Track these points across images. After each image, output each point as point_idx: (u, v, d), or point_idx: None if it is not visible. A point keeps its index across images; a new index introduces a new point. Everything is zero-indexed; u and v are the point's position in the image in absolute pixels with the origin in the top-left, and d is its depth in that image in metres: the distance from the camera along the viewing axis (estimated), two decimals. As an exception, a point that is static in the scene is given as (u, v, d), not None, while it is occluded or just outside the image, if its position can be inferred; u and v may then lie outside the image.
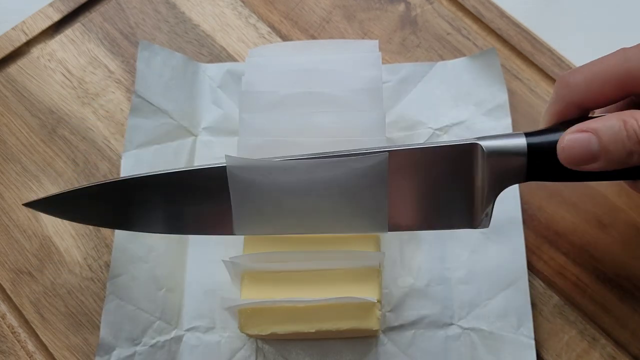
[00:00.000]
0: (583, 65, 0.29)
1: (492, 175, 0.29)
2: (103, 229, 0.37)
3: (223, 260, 0.31)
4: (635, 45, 0.28)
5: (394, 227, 0.31)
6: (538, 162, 0.29)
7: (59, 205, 0.32)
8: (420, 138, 0.39)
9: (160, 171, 0.30)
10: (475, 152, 0.29)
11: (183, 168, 0.31)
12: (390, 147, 0.30)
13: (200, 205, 0.31)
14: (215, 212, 0.31)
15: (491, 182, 0.29)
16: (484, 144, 0.29)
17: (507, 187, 0.30)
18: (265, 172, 0.30)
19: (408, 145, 0.29)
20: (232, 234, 0.32)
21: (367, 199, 0.31)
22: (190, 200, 0.31)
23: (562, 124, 0.29)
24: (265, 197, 0.31)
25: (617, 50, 0.29)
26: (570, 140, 0.27)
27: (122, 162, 0.38)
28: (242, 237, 0.33)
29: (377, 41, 0.38)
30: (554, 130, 0.29)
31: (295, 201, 0.31)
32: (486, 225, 0.31)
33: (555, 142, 0.28)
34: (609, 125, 0.27)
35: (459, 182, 0.30)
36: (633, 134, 0.26)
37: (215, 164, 0.30)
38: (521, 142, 0.28)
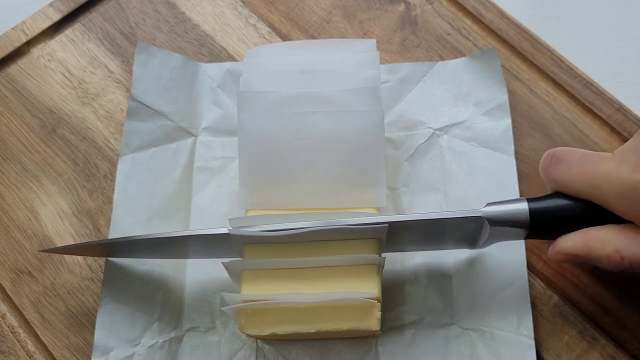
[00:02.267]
0: (562, 161, 0.31)
1: (494, 237, 0.32)
2: (103, 229, 0.38)
3: (223, 262, 0.31)
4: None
5: (394, 250, 0.34)
6: (539, 230, 0.31)
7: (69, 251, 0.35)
8: (419, 138, 0.39)
9: (157, 235, 0.32)
10: (479, 221, 0.31)
11: (181, 233, 0.32)
12: (389, 217, 0.31)
13: (197, 255, 0.35)
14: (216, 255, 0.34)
15: (492, 240, 0.32)
16: (488, 215, 0.31)
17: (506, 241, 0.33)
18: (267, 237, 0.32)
19: (413, 215, 0.31)
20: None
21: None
22: (189, 252, 0.35)
23: (566, 195, 0.31)
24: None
25: (592, 160, 0.30)
26: (559, 259, 0.31)
27: (119, 166, 0.38)
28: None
29: (374, 40, 0.38)
30: (556, 198, 0.31)
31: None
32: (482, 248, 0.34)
33: (556, 213, 0.30)
34: (595, 257, 0.29)
35: (461, 237, 0.33)
36: (618, 269, 0.29)
37: (209, 230, 0.32)
38: (524, 211, 0.31)
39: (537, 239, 0.32)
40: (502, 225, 0.31)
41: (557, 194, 0.31)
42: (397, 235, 0.32)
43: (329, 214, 0.32)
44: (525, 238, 0.32)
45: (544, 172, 0.32)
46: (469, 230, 0.32)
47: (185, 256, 0.36)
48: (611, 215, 0.29)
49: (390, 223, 0.31)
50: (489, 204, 0.31)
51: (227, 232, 0.31)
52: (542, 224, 0.31)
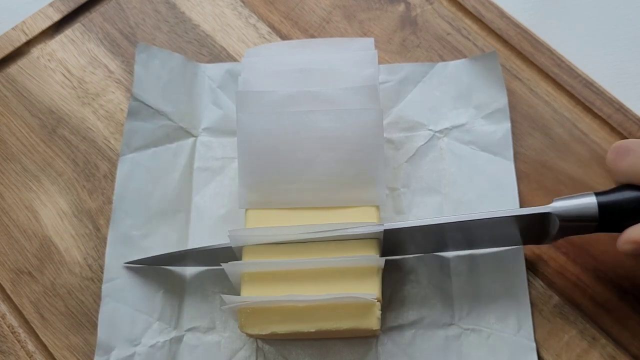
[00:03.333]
0: (631, 153, 0.31)
1: (562, 232, 0.32)
2: (103, 229, 0.37)
3: (222, 265, 0.31)
4: None
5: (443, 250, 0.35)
6: (608, 223, 0.31)
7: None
8: (419, 140, 0.39)
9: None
10: (548, 218, 0.31)
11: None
12: (449, 218, 0.32)
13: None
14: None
15: (560, 234, 0.32)
16: (558, 212, 0.31)
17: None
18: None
19: (487, 213, 0.32)
20: None
21: None
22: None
23: (633, 186, 0.31)
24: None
25: None
26: (628, 250, 0.30)
27: (119, 166, 0.38)
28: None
29: (372, 39, 0.38)
30: (624, 190, 0.31)
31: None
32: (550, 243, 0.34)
33: (623, 203, 0.30)
34: None
35: (529, 235, 0.33)
36: None
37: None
38: (593, 206, 0.31)
39: (606, 231, 0.32)
40: (571, 221, 0.31)
41: (625, 187, 0.31)
42: (458, 234, 0.33)
43: (329, 224, 0.32)
44: (595, 232, 0.32)
45: (612, 164, 0.31)
46: (537, 229, 0.32)
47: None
48: None
49: (456, 223, 0.32)
50: (557, 200, 0.31)
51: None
52: (612, 217, 0.30)
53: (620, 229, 0.31)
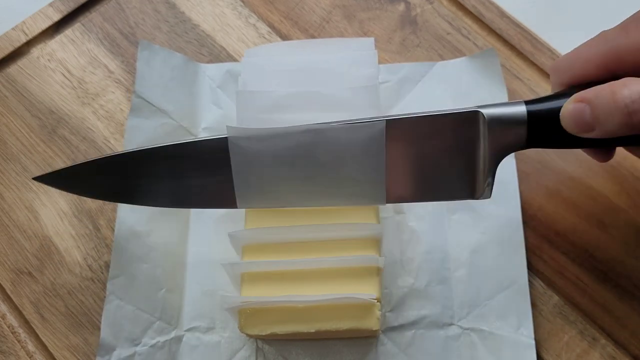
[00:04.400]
0: (570, 51, 0.31)
1: (493, 143, 0.29)
2: (103, 229, 0.37)
3: (222, 265, 0.31)
4: (613, 28, 0.29)
5: (392, 199, 0.32)
6: (538, 129, 0.29)
7: (66, 179, 0.33)
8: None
9: (163, 144, 0.31)
10: (476, 121, 0.29)
11: (185, 140, 0.31)
12: (388, 116, 0.30)
13: (203, 178, 0.32)
14: (218, 184, 0.32)
15: (492, 151, 0.30)
16: (485, 112, 0.29)
17: (507, 154, 0.30)
18: (265, 140, 0.30)
19: (407, 114, 0.30)
20: (235, 207, 0.32)
21: (365, 168, 0.31)
22: (194, 173, 0.32)
23: (562, 93, 0.29)
24: (265, 166, 0.31)
25: (598, 34, 0.30)
26: (568, 110, 0.28)
27: None
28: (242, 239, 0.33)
29: (372, 39, 0.38)
30: (553, 98, 0.29)
31: (294, 170, 0.31)
32: (487, 196, 0.31)
33: (553, 109, 0.29)
34: (601, 97, 0.27)
35: (459, 150, 0.30)
36: (622, 106, 0.26)
37: (217, 135, 0.31)
38: (521, 109, 0.29)
39: (538, 146, 0.30)
40: (500, 124, 0.29)
41: (555, 94, 0.30)
42: (392, 152, 0.30)
43: (329, 224, 0.32)
44: (526, 147, 0.30)
45: (554, 67, 0.31)
46: (466, 138, 0.30)
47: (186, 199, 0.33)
48: None
49: (388, 121, 0.29)
50: (483, 105, 0.29)
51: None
52: (540, 119, 0.29)
53: (551, 140, 0.29)
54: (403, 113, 0.30)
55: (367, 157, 0.30)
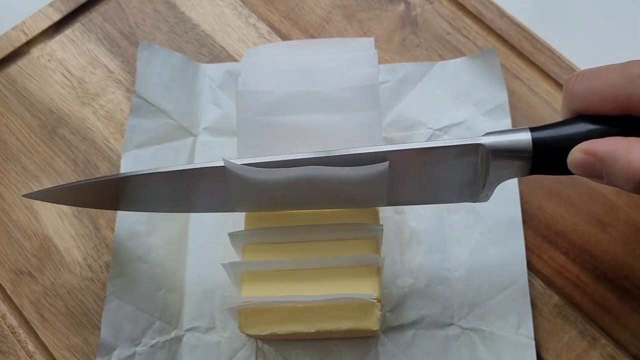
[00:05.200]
0: (587, 75, 0.29)
1: (496, 171, 0.29)
2: (103, 229, 0.37)
3: (222, 264, 0.31)
4: (638, 65, 0.27)
5: (393, 203, 0.32)
6: (543, 160, 0.28)
7: (58, 196, 0.33)
8: (420, 138, 0.39)
9: (158, 169, 0.31)
10: (479, 151, 0.29)
11: (180, 167, 0.31)
12: (391, 147, 0.29)
13: (200, 197, 0.32)
14: (215, 199, 0.32)
15: (494, 177, 0.30)
16: (488, 143, 0.28)
17: (510, 179, 0.30)
18: (264, 175, 0.30)
19: (410, 145, 0.30)
20: (234, 211, 0.32)
21: (366, 195, 0.31)
22: (190, 194, 0.32)
23: (568, 120, 0.29)
24: (265, 193, 0.31)
25: (622, 66, 0.28)
26: (576, 159, 0.28)
27: (122, 162, 0.38)
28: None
29: (372, 39, 0.38)
30: (558, 126, 0.28)
31: (294, 195, 0.31)
32: (485, 200, 0.32)
33: (559, 139, 0.28)
34: (614, 158, 0.26)
35: (461, 174, 0.30)
36: (637, 179, 0.26)
37: (213, 163, 0.30)
38: (526, 139, 0.28)
39: (542, 174, 0.30)
40: (504, 154, 0.28)
41: (566, 121, 0.29)
42: (396, 175, 0.30)
43: (329, 225, 0.32)
44: (529, 174, 0.29)
45: (568, 90, 0.29)
46: (468, 167, 0.30)
47: (186, 205, 0.34)
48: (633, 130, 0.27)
49: (388, 152, 0.29)
50: (487, 134, 0.29)
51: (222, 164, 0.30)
52: (546, 150, 0.28)
53: (555, 169, 0.29)
54: (406, 144, 0.30)
55: (368, 189, 0.31)
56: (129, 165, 0.38)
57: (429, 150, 0.29)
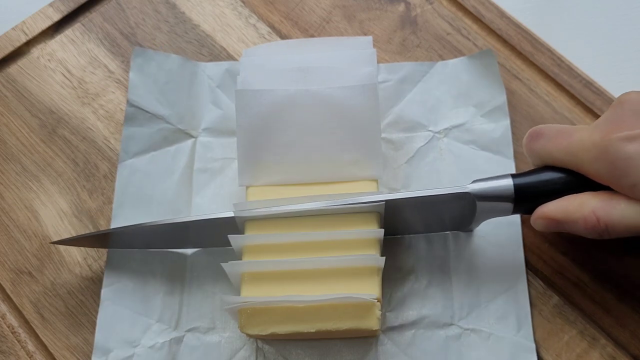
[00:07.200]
0: (543, 135, 0.32)
1: (483, 212, 0.33)
2: (102, 229, 0.37)
3: (222, 265, 0.31)
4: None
5: (392, 234, 0.36)
6: (523, 203, 0.32)
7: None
8: (419, 140, 0.39)
9: (159, 222, 0.34)
10: (467, 197, 0.32)
11: (180, 220, 0.34)
12: (386, 196, 0.32)
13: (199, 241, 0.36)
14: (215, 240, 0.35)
15: (481, 217, 0.34)
16: (474, 191, 0.32)
17: (496, 217, 0.34)
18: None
19: (405, 193, 0.33)
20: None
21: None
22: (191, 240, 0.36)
23: (542, 169, 0.32)
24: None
25: (569, 132, 0.31)
26: (540, 225, 0.32)
27: (118, 172, 0.38)
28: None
29: (370, 37, 0.38)
30: (534, 173, 0.32)
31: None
32: (474, 228, 0.36)
33: (538, 187, 0.32)
34: (571, 219, 0.30)
35: (452, 215, 0.34)
36: (594, 231, 0.30)
37: (210, 215, 0.33)
38: (509, 187, 0.32)
39: (523, 213, 0.33)
40: (488, 201, 0.32)
41: (540, 169, 0.32)
42: (393, 214, 0.33)
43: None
44: (513, 213, 0.33)
45: (526, 148, 0.33)
46: (459, 208, 0.33)
47: (188, 244, 0.36)
48: (590, 184, 0.30)
49: (386, 202, 0.32)
50: (475, 181, 0.32)
51: (231, 215, 0.33)
52: (527, 196, 0.32)
53: (534, 210, 0.32)
54: (401, 192, 0.34)
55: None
56: (124, 175, 0.38)
57: (422, 198, 0.32)
